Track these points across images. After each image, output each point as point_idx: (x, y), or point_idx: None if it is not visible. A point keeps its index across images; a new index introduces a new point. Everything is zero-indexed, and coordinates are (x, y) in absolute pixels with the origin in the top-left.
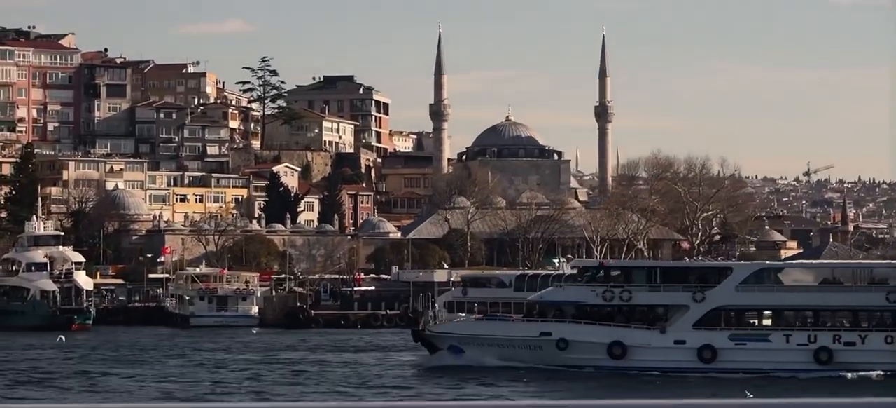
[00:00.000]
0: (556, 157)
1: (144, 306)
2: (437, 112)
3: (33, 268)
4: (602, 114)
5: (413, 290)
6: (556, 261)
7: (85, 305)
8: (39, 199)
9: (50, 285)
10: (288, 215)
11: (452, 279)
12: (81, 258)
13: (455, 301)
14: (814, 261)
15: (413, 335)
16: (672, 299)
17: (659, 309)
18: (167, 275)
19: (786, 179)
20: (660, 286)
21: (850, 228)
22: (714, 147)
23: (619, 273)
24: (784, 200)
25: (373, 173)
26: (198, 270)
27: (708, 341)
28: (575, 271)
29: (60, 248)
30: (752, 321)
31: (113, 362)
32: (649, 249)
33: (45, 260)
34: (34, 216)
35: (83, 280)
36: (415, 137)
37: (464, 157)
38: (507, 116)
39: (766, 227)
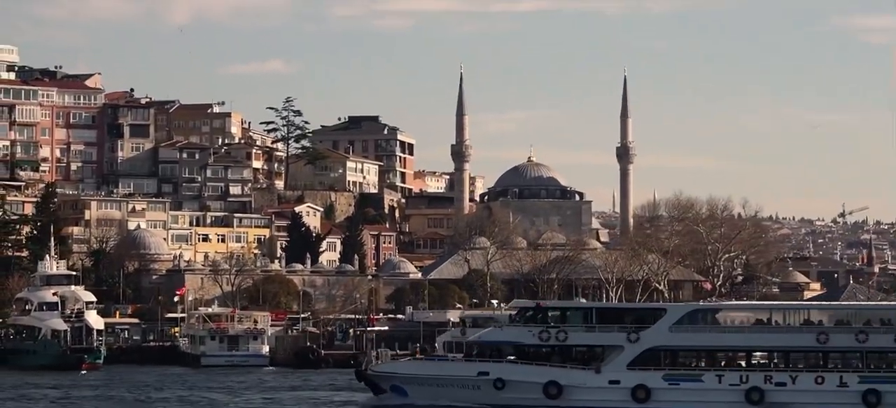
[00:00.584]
0: (577, 197)
1: (159, 346)
2: (459, 153)
3: (45, 307)
4: (623, 155)
5: (425, 330)
6: (494, 302)
7: (95, 344)
8: (53, 238)
9: (61, 325)
10: (307, 255)
11: (452, 319)
12: (93, 298)
13: (453, 341)
14: (754, 302)
15: (356, 376)
16: (607, 340)
17: (595, 349)
18: (183, 315)
19: (823, 220)
20: (595, 327)
21: (876, 269)
22: (748, 188)
23: (556, 314)
24: (819, 241)
25: (397, 214)
26: (210, 309)
27: (642, 380)
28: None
29: (72, 287)
30: (685, 362)
31: (111, 401)
32: (669, 290)
33: (56, 300)
34: (47, 256)
35: (94, 320)
36: (447, 177)
37: (486, 198)
38: (530, 157)
39: (790, 268)
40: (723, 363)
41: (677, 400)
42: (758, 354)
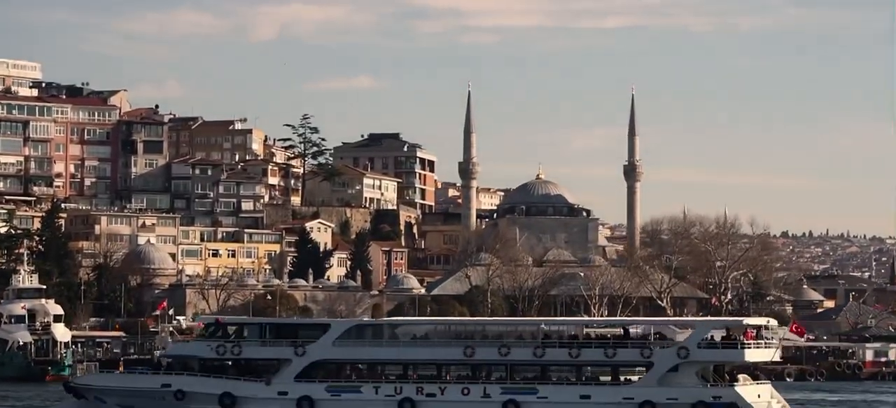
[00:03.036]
0: (584, 215)
1: (137, 359)
2: (466, 170)
3: (14, 320)
4: (630, 172)
5: None
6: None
7: (60, 356)
8: (27, 252)
9: (27, 337)
10: (310, 271)
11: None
12: (60, 311)
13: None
14: (418, 318)
15: (64, 387)
16: (277, 354)
17: (269, 363)
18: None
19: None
20: (268, 342)
21: None
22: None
23: (234, 329)
24: (882, 258)
25: (415, 230)
26: (184, 322)
27: (307, 392)
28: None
29: (42, 301)
30: (348, 374)
31: None
32: (672, 307)
33: (24, 313)
34: (21, 270)
35: (61, 332)
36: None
37: (494, 215)
38: (538, 175)
39: (805, 286)
40: (382, 376)
41: None
42: (414, 366)
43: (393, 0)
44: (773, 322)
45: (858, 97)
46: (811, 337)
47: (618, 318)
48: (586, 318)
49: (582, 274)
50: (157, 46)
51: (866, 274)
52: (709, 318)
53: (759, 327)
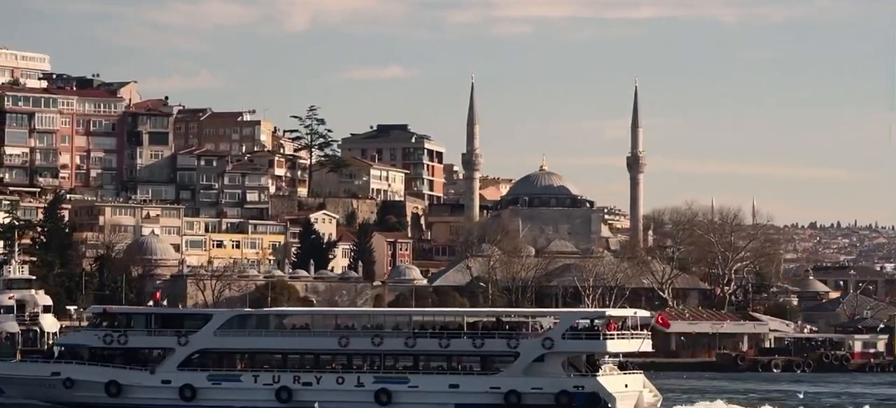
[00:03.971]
0: (587, 206)
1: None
2: (469, 161)
3: (2, 310)
4: (633, 164)
5: None
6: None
7: (46, 346)
8: (17, 243)
9: (14, 328)
10: (311, 262)
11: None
12: (49, 301)
13: None
14: (297, 308)
15: None
16: (162, 343)
17: (153, 352)
18: None
19: None
20: (154, 331)
21: None
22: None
23: (123, 319)
24: None
25: (422, 221)
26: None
27: (189, 380)
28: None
29: (32, 291)
30: (229, 363)
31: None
32: (674, 298)
33: (13, 303)
34: (13, 260)
35: (48, 323)
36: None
37: (498, 206)
38: (542, 166)
39: (811, 277)
40: (262, 365)
41: (218, 399)
42: (294, 356)
43: None
44: (643, 313)
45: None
46: (814, 329)
47: (493, 309)
48: (464, 309)
49: (581, 265)
50: (186, 37)
51: (891, 266)
52: (573, 309)
53: (624, 319)
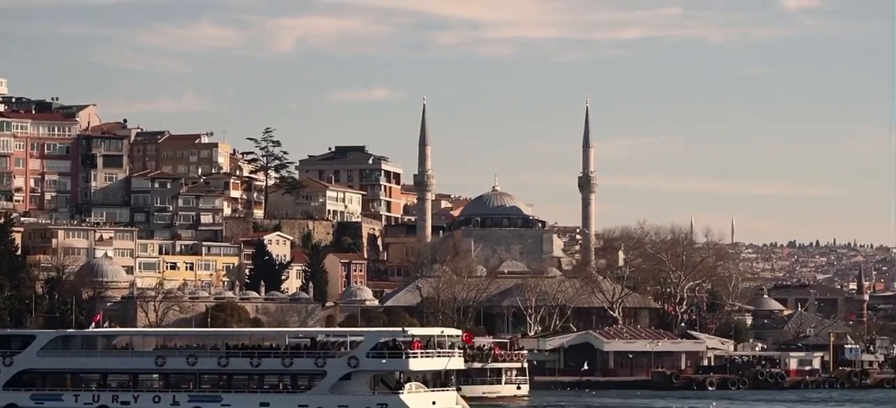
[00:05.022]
0: (539, 226)
1: None
2: (421, 182)
3: None
4: (585, 184)
5: None
6: None
7: None
8: None
9: None
10: (262, 283)
11: None
12: None
13: None
14: (117, 329)
15: None
16: None
17: None
18: None
19: None
20: None
21: (866, 297)
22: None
23: None
24: (884, 268)
25: (379, 242)
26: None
27: (13, 400)
28: None
29: None
30: (54, 383)
31: None
32: (624, 318)
33: None
34: None
35: None
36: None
37: (451, 226)
38: (494, 187)
39: (765, 296)
40: (87, 385)
41: None
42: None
43: (411, 11)
44: (453, 332)
45: (868, 104)
46: (764, 347)
47: (309, 329)
48: (283, 329)
49: (526, 284)
50: (174, 60)
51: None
52: (378, 329)
53: (429, 338)
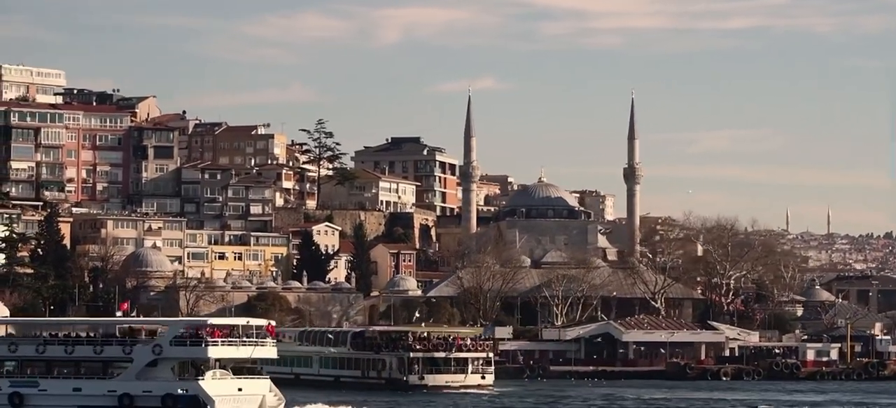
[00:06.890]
0: (584, 217)
1: None
2: (467, 173)
3: None
4: (630, 175)
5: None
6: None
7: None
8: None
9: None
10: (305, 273)
11: None
12: (6, 313)
13: None
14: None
15: None
16: None
17: None
18: None
19: None
20: None
21: None
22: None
23: None
24: None
25: (432, 233)
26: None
27: None
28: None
29: None
30: None
31: None
32: (666, 308)
33: None
34: None
35: None
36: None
37: (496, 217)
38: (540, 178)
39: (817, 286)
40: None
41: None
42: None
43: (517, 1)
44: (258, 322)
45: None
46: (804, 338)
47: (122, 319)
48: (99, 319)
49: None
50: (280, 50)
51: None
52: (180, 318)
53: (232, 327)
